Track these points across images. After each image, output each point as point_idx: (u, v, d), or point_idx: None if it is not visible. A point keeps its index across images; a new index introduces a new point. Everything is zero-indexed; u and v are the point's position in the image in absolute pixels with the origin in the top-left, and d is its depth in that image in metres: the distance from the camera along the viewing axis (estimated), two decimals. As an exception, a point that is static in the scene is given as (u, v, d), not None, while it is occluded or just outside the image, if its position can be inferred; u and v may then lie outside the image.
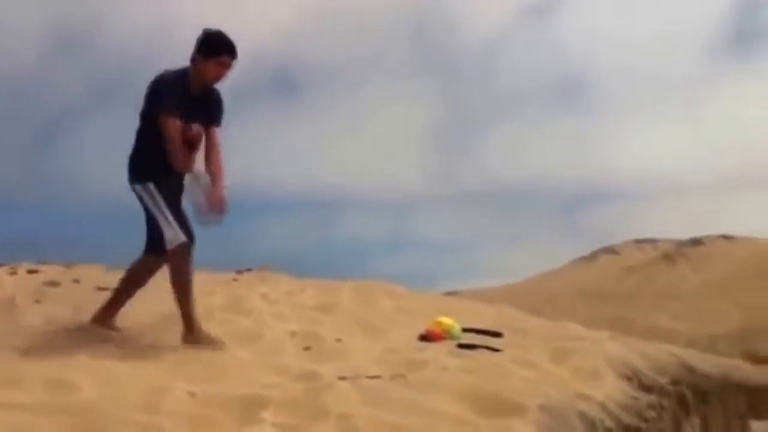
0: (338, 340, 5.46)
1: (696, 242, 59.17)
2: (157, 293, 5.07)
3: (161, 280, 4.92)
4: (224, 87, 4.75)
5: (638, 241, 65.63)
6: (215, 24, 4.64)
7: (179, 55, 4.66)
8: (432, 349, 5.49)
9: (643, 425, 4.84)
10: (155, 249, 4.73)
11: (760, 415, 7.94)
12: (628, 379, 5.49)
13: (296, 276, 8.59)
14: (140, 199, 4.66)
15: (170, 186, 4.66)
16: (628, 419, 4.70)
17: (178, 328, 4.81)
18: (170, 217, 4.56)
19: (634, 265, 57.44)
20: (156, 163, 4.60)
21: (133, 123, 4.73)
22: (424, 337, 5.85)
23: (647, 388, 5.56)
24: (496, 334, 6.05)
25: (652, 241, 64.35)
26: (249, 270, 8.59)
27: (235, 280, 7.85)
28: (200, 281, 7.87)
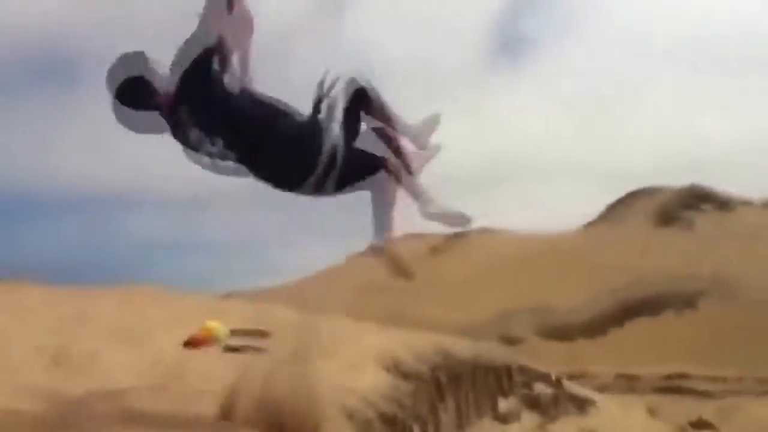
0: (92, 352, 5.11)
1: (460, 235, 63.94)
2: None
3: None
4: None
5: (407, 235, 69.77)
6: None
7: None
8: (196, 355, 5.36)
9: (400, 412, 5.12)
10: None
11: (505, 393, 8.78)
12: (389, 369, 5.78)
13: (60, 283, 7.94)
14: None
15: None
16: (387, 408, 4.95)
17: None
18: None
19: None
20: None
21: None
22: (189, 344, 5.68)
23: (406, 376, 5.90)
24: (263, 333, 6.05)
25: (420, 235, 68.69)
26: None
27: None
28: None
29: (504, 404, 8.48)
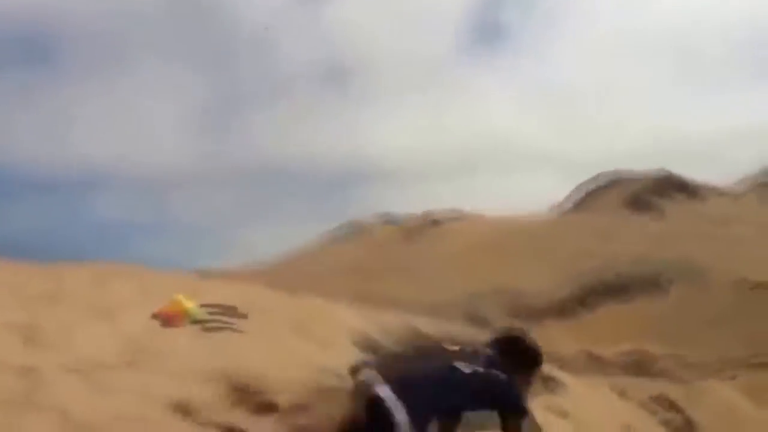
0: (65, 328, 5.12)
1: (432, 219, 64.25)
2: None
3: None
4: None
5: (382, 219, 69.96)
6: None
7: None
8: (170, 332, 5.37)
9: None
10: None
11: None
12: (359, 344, 5.88)
13: (28, 261, 7.87)
14: None
15: None
16: (356, 383, 5.02)
17: None
18: None
19: (378, 241, 60.99)
20: None
21: None
22: (158, 316, 5.70)
23: (375, 351, 6.00)
24: (234, 309, 6.09)
25: (394, 218, 68.95)
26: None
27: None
28: None
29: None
